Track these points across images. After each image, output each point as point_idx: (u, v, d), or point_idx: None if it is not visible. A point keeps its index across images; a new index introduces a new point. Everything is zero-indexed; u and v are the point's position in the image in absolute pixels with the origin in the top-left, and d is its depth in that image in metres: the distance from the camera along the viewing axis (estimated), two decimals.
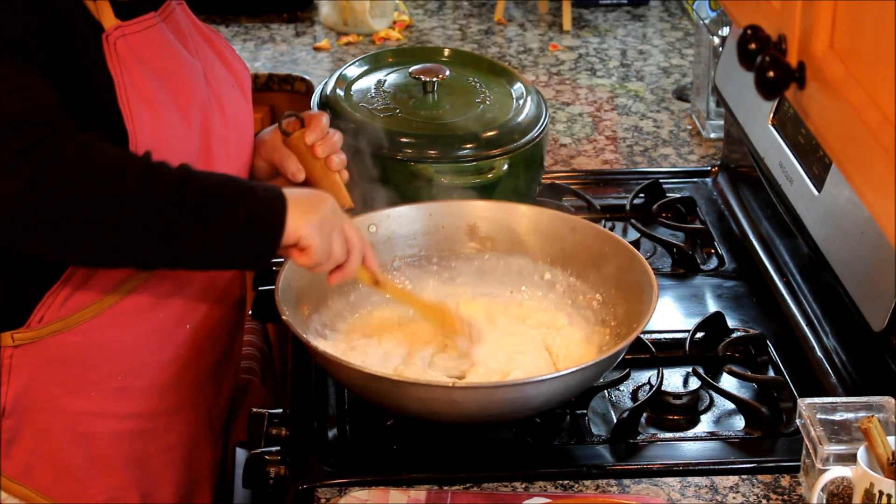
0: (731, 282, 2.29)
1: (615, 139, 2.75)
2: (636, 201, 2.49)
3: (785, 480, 1.84)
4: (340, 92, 2.32)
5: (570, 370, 1.83)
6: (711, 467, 1.87)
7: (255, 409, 2.04)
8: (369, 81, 2.36)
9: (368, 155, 2.21)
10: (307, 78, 3.02)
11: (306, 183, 2.00)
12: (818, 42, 1.37)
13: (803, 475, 1.81)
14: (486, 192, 2.24)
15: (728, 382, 2.03)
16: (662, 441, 1.93)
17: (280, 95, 3.05)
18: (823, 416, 1.77)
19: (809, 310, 2.16)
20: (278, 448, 1.96)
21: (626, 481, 1.85)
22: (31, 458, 1.92)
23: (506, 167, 2.25)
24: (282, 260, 1.96)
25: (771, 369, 2.07)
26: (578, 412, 1.97)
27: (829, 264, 2.06)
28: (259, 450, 1.96)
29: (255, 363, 2.31)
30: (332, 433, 1.94)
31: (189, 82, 1.90)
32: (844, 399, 1.81)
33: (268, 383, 2.32)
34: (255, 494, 2.02)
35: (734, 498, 1.82)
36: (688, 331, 2.11)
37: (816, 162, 2.13)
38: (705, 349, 2.11)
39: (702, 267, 2.34)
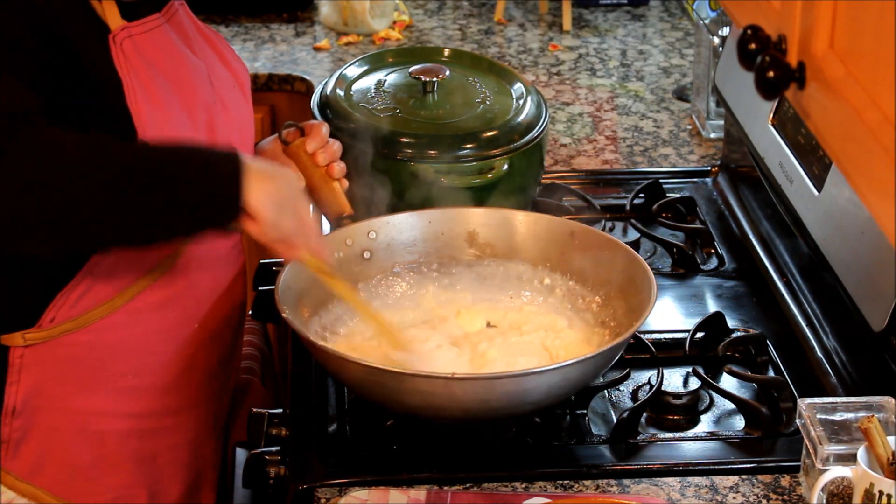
0: (731, 282, 2.29)
1: (615, 139, 2.75)
2: (636, 201, 2.49)
3: (785, 480, 1.84)
4: (340, 92, 2.32)
5: (568, 362, 1.83)
6: (711, 467, 1.87)
7: (255, 409, 2.04)
8: (369, 81, 2.36)
9: (368, 155, 2.21)
10: (307, 78, 3.02)
11: (306, 190, 2.01)
12: (818, 42, 1.37)
13: (803, 475, 1.81)
14: (487, 192, 2.24)
15: (728, 382, 2.03)
16: (662, 441, 1.93)
17: (280, 95, 3.05)
18: (823, 416, 1.77)
19: (809, 310, 2.16)
20: (278, 448, 1.96)
21: (626, 481, 1.85)
22: (40, 458, 1.93)
23: (506, 167, 2.25)
24: (282, 260, 1.97)
25: (771, 369, 2.07)
26: (578, 412, 1.97)
27: (829, 264, 2.06)
28: (259, 450, 1.96)
29: (255, 363, 2.32)
30: (332, 433, 1.94)
31: (194, 83, 1.91)
32: (844, 399, 1.81)
33: (268, 383, 2.32)
34: (255, 494, 2.02)
35: (734, 498, 1.82)
36: (688, 331, 2.11)
37: (816, 162, 2.13)
38: (705, 349, 2.11)
39: (702, 267, 2.34)
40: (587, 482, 1.85)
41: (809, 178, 2.15)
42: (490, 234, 2.16)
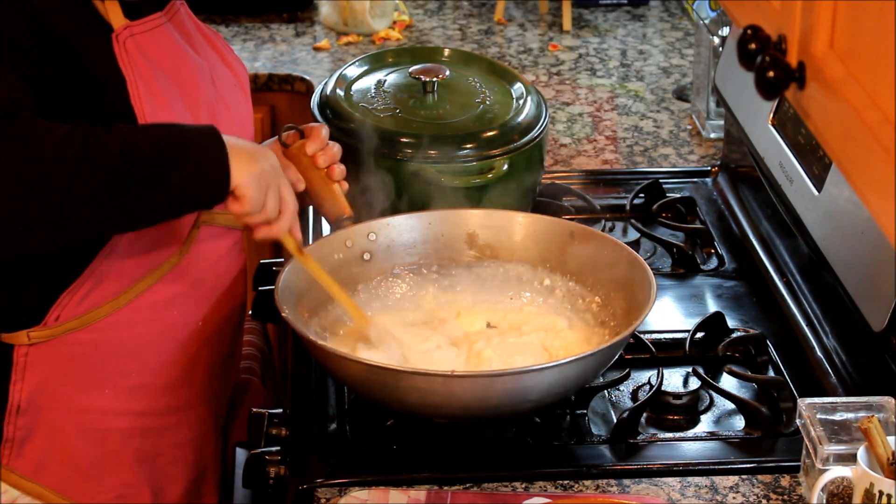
0: (731, 282, 2.29)
1: (615, 139, 2.75)
2: (636, 201, 2.49)
3: (785, 480, 1.84)
4: (340, 92, 2.32)
5: (567, 359, 1.83)
6: (711, 467, 1.87)
7: (255, 409, 2.04)
8: (369, 81, 2.36)
9: (368, 155, 2.21)
10: (307, 78, 3.02)
11: (306, 192, 2.01)
12: (818, 42, 1.37)
13: (803, 475, 1.81)
14: (487, 192, 2.24)
15: (728, 382, 2.03)
16: (662, 441, 1.93)
17: (280, 95, 3.05)
18: (823, 416, 1.77)
19: (809, 310, 2.16)
20: (278, 448, 1.96)
21: (626, 481, 1.85)
22: (44, 456, 1.94)
23: (506, 167, 2.25)
24: (282, 260, 1.97)
25: (771, 369, 2.07)
26: (578, 412, 1.97)
27: (829, 264, 2.06)
28: (259, 450, 1.96)
29: (255, 363, 2.32)
30: (332, 433, 1.94)
31: (197, 82, 1.91)
32: (844, 399, 1.81)
33: (268, 383, 2.32)
34: (255, 494, 2.02)
35: (734, 498, 1.82)
36: (688, 331, 2.11)
37: (816, 162, 2.13)
38: (705, 349, 2.11)
39: (702, 267, 2.34)
40: (587, 482, 1.85)
41: (809, 178, 2.15)
42: (490, 235, 2.16)
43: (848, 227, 2.01)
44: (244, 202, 1.80)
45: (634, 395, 2.02)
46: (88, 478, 1.96)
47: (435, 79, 2.30)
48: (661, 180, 2.53)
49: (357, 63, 2.41)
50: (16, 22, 1.74)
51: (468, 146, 2.24)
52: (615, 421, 1.94)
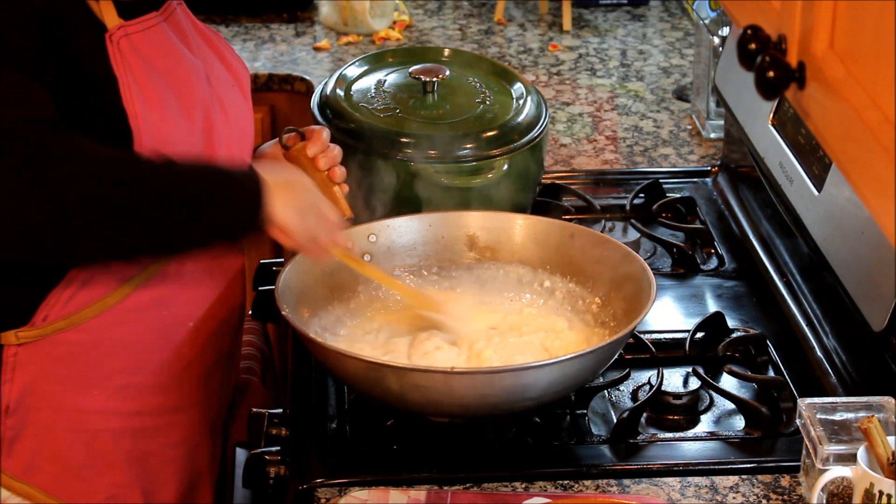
0: (731, 282, 2.29)
1: (615, 139, 2.75)
2: (636, 201, 2.49)
3: (785, 480, 1.84)
4: (340, 92, 2.32)
5: (567, 356, 1.83)
6: (711, 467, 1.87)
7: (255, 409, 2.04)
8: (369, 81, 2.36)
9: (368, 155, 2.21)
10: (307, 78, 3.02)
11: None
12: (818, 42, 1.37)
13: (803, 475, 1.81)
14: (487, 192, 2.24)
15: (728, 382, 2.03)
16: (662, 441, 1.93)
17: (280, 95, 3.05)
18: (823, 416, 1.77)
19: (809, 310, 2.16)
20: (278, 448, 1.96)
21: (626, 481, 1.85)
22: (34, 457, 1.93)
23: (506, 167, 2.25)
24: (282, 260, 1.97)
25: (771, 369, 2.07)
26: (578, 412, 1.97)
27: (829, 264, 2.06)
28: (259, 450, 1.96)
29: (255, 363, 2.32)
30: (332, 433, 1.94)
31: (191, 82, 1.91)
32: (844, 399, 1.81)
33: (268, 383, 2.32)
34: (255, 494, 2.02)
35: (734, 498, 1.82)
36: (688, 331, 2.11)
37: (816, 162, 2.13)
38: (705, 349, 2.11)
39: (702, 267, 2.34)
40: (587, 482, 1.85)
41: (809, 178, 2.15)
42: (490, 237, 2.16)
43: (848, 227, 2.01)
44: (288, 231, 1.83)
45: (634, 395, 2.02)
46: (79, 478, 1.95)
47: (435, 79, 2.30)
48: (661, 180, 2.53)
49: (357, 63, 2.41)
50: (24, 25, 1.74)
51: (468, 146, 2.24)
52: (615, 421, 1.94)
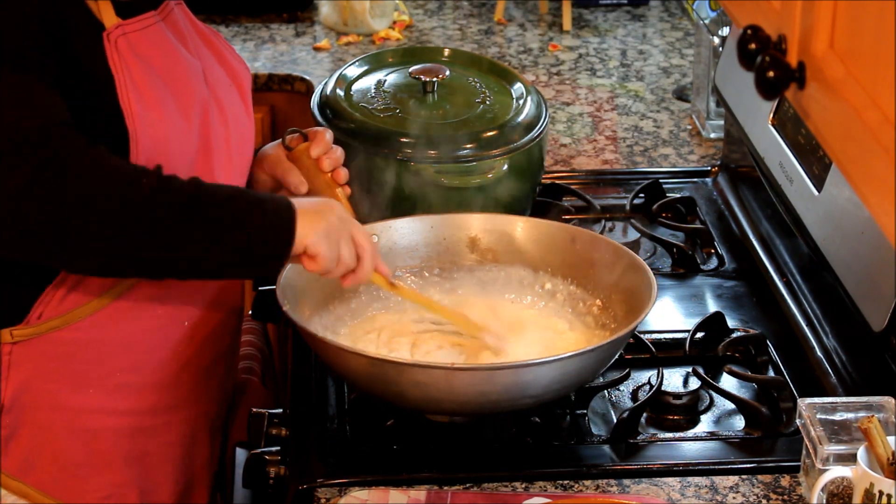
0: (731, 282, 2.29)
1: (615, 139, 2.75)
2: (636, 201, 2.49)
3: (785, 480, 1.84)
4: (340, 92, 2.32)
5: (567, 354, 1.83)
6: (711, 467, 1.87)
7: (255, 409, 2.04)
8: (369, 81, 2.36)
9: (368, 155, 2.21)
10: (307, 78, 3.02)
11: (309, 195, 2.01)
12: (818, 42, 1.37)
13: (803, 475, 1.81)
14: (487, 192, 2.24)
15: (728, 382, 2.03)
16: (662, 441, 1.93)
17: (280, 95, 3.05)
18: (823, 416, 1.77)
19: (809, 310, 2.16)
20: (278, 448, 1.96)
21: (626, 481, 1.85)
22: (30, 455, 1.93)
23: (506, 167, 2.25)
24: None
25: (771, 369, 2.07)
26: (578, 412, 1.97)
27: (829, 264, 2.06)
28: (259, 450, 1.96)
29: (255, 363, 2.31)
30: (332, 433, 1.94)
31: (189, 81, 1.90)
32: (844, 399, 1.81)
33: (268, 383, 2.32)
34: (255, 494, 2.02)
35: (734, 498, 1.82)
36: (688, 331, 2.11)
37: (816, 162, 2.13)
38: (705, 349, 2.11)
39: (702, 267, 2.34)
40: (587, 482, 1.85)
41: (809, 178, 2.15)
42: (491, 239, 2.16)
43: (848, 227, 2.01)
44: (319, 260, 1.81)
45: (634, 395, 2.02)
46: (76, 477, 1.95)
47: (435, 79, 2.30)
48: (661, 180, 2.53)
49: (357, 63, 2.41)
50: (19, 24, 1.74)
51: (468, 146, 2.24)
52: (615, 421, 1.94)
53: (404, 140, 2.23)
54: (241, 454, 2.08)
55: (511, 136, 2.27)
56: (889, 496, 1.63)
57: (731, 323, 2.14)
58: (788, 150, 2.23)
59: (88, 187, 1.70)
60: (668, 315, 2.21)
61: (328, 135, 2.01)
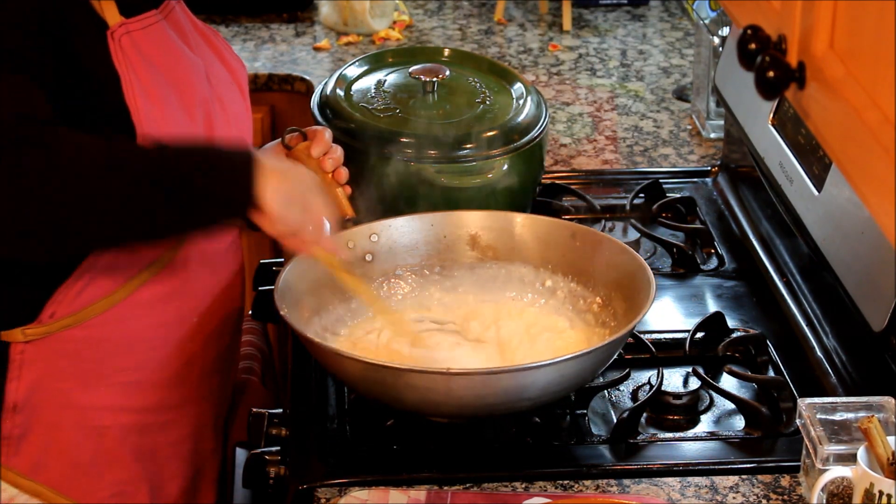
0: (731, 282, 2.29)
1: (615, 139, 2.75)
2: (636, 201, 2.49)
3: (785, 480, 1.84)
4: (340, 92, 2.32)
5: (565, 357, 1.83)
6: (711, 467, 1.87)
7: (255, 409, 2.04)
8: (369, 81, 2.36)
9: (368, 155, 2.21)
10: (307, 78, 3.02)
11: None
12: (818, 42, 1.37)
13: (803, 475, 1.81)
14: (487, 192, 2.24)
15: (728, 382, 2.03)
16: (662, 441, 1.93)
17: (280, 95, 3.05)
18: (823, 416, 1.77)
19: (809, 310, 2.16)
20: (278, 448, 1.96)
21: (626, 481, 1.85)
22: (41, 454, 1.94)
23: (506, 167, 2.25)
24: (282, 260, 1.97)
25: (771, 369, 2.07)
26: (578, 412, 1.97)
27: (829, 264, 2.06)
28: (259, 450, 1.96)
29: (256, 363, 2.32)
30: (332, 433, 1.94)
31: (192, 79, 1.91)
32: (844, 399, 1.81)
33: (268, 383, 2.32)
34: (255, 494, 2.02)
35: (734, 498, 1.82)
36: (688, 331, 2.11)
37: (816, 162, 2.13)
38: (705, 349, 2.11)
39: (702, 267, 2.34)
40: (587, 482, 1.85)
41: (809, 178, 2.15)
42: (491, 236, 2.16)
43: (848, 227, 2.01)
44: (269, 217, 1.82)
45: (634, 395, 2.02)
46: (87, 475, 1.96)
47: (435, 79, 2.30)
48: (661, 180, 2.53)
49: (357, 63, 2.41)
50: (21, 23, 1.75)
51: (468, 146, 2.24)
52: (615, 421, 1.94)
53: (404, 140, 2.23)
54: (241, 454, 2.08)
55: (511, 136, 2.27)
56: (889, 496, 1.63)
57: (731, 323, 2.14)
58: (788, 150, 2.23)
59: (45, 173, 1.71)
60: (668, 315, 2.21)
61: (328, 134, 2.01)
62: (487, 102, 2.32)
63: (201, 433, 2.07)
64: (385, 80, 2.35)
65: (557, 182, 2.52)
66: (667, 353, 2.09)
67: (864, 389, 1.94)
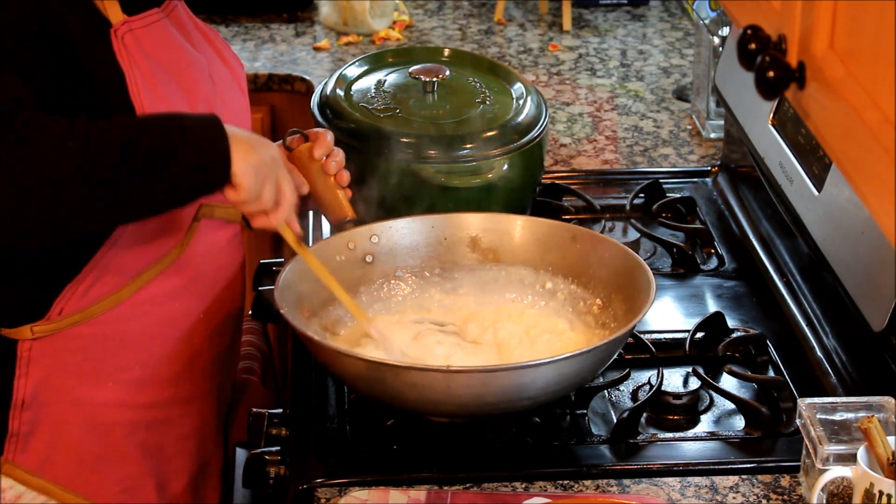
0: (731, 282, 2.29)
1: (615, 139, 2.75)
2: (636, 201, 2.49)
3: (785, 480, 1.84)
4: (340, 92, 2.32)
5: (564, 356, 1.83)
6: (711, 467, 1.87)
7: (255, 409, 2.05)
8: (369, 81, 2.36)
9: (368, 155, 2.21)
10: (307, 78, 3.02)
11: (309, 195, 2.01)
12: (818, 42, 1.37)
13: (803, 475, 1.81)
14: (487, 192, 2.24)
15: (728, 382, 2.03)
16: (662, 441, 1.93)
17: (280, 95, 3.05)
18: (823, 416, 1.77)
19: (809, 310, 2.16)
20: (278, 448, 1.96)
21: (626, 481, 1.85)
22: (49, 451, 1.94)
23: (506, 167, 2.25)
24: (282, 259, 1.97)
25: (771, 369, 2.07)
26: (578, 412, 1.97)
27: (829, 264, 2.06)
28: (259, 450, 1.96)
29: (256, 363, 2.32)
30: (332, 433, 1.94)
31: (195, 77, 1.92)
32: (844, 399, 1.81)
33: (268, 383, 2.32)
34: (255, 494, 2.02)
35: (734, 498, 1.82)
36: (688, 331, 2.11)
37: (816, 162, 2.13)
38: (705, 349, 2.11)
39: (702, 267, 2.34)
40: (587, 482, 1.85)
41: (809, 178, 2.15)
42: (492, 238, 2.16)
43: (848, 227, 2.01)
44: (240, 190, 1.80)
45: (634, 395, 2.02)
46: (94, 471, 1.97)
47: (435, 79, 2.30)
48: (661, 180, 2.53)
49: (357, 63, 2.42)
50: (18, 22, 1.75)
51: (468, 146, 2.24)
52: (615, 421, 1.94)
53: (404, 140, 2.23)
54: (241, 454, 2.09)
55: (511, 136, 2.27)
56: (889, 496, 1.63)
57: (731, 323, 2.14)
58: (788, 150, 2.23)
59: (16, 159, 1.69)
60: (668, 315, 2.21)
61: (329, 136, 2.01)
62: (487, 102, 2.32)
63: (206, 429, 2.08)
64: (385, 80, 2.35)
65: (557, 182, 2.52)
66: (667, 353, 2.09)
67: (864, 389, 1.94)
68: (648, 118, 2.84)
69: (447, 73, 2.32)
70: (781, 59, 1.39)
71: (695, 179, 2.59)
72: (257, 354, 2.35)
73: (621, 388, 2.03)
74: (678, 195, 2.51)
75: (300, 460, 1.89)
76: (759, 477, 1.85)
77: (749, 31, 1.42)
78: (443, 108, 2.29)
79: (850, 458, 1.71)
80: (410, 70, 2.32)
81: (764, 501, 1.81)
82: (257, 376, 2.29)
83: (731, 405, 1.99)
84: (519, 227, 2.15)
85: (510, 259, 2.15)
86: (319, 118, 2.29)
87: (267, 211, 1.86)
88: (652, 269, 2.00)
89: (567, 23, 3.28)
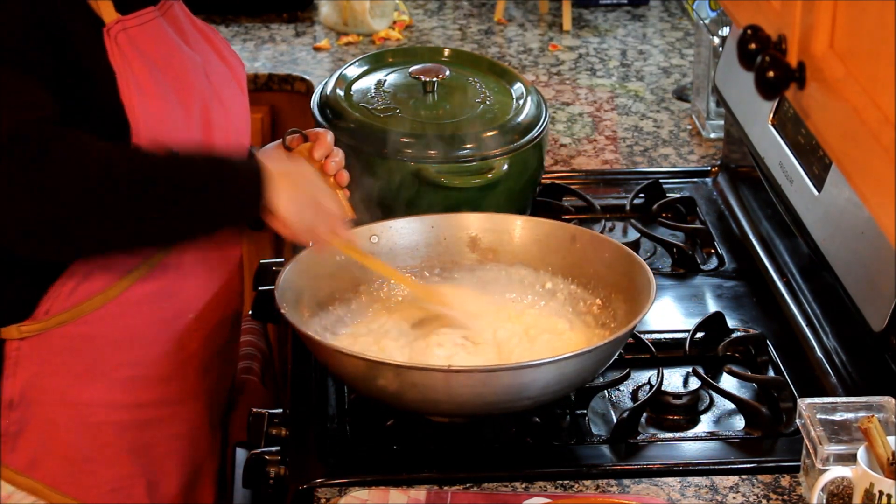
0: (731, 282, 2.29)
1: (615, 139, 2.75)
2: (636, 201, 2.49)
3: (785, 480, 1.84)
4: (340, 92, 2.32)
5: (565, 355, 1.83)
6: (711, 467, 1.87)
7: (255, 409, 2.04)
8: (369, 81, 2.36)
9: (368, 155, 2.21)
10: (307, 78, 3.02)
11: None
12: (818, 42, 1.37)
13: (803, 475, 1.81)
14: (487, 192, 2.24)
15: (728, 382, 2.03)
16: (662, 441, 1.93)
17: (280, 95, 3.05)
18: (823, 416, 1.77)
19: (809, 310, 2.16)
20: (278, 448, 1.96)
21: (626, 481, 1.85)
22: (38, 451, 1.94)
23: (506, 167, 2.25)
24: (282, 260, 1.97)
25: (771, 369, 2.07)
26: (578, 412, 1.97)
27: (829, 264, 2.06)
28: (259, 450, 1.96)
29: (255, 363, 2.32)
30: (332, 433, 1.94)
31: (189, 75, 1.92)
32: (844, 399, 1.81)
33: (268, 383, 2.32)
34: (255, 494, 2.02)
35: (734, 498, 1.82)
36: (688, 331, 2.11)
37: (816, 162, 2.13)
38: (705, 349, 2.11)
39: (702, 267, 2.34)
40: (587, 482, 1.85)
41: (809, 178, 2.15)
42: (492, 238, 2.16)
43: (848, 227, 2.01)
44: (290, 225, 1.87)
45: (634, 395, 2.02)
46: (83, 471, 1.96)
47: (435, 79, 2.30)
48: (661, 180, 2.53)
49: (357, 63, 2.42)
50: (23, 23, 1.75)
51: (468, 146, 2.24)
52: (615, 421, 1.94)
53: (404, 140, 2.23)
54: (241, 454, 2.08)
55: (511, 136, 2.27)
56: (889, 496, 1.63)
57: (731, 323, 2.14)
58: (788, 150, 2.23)
59: (58, 177, 1.73)
60: (668, 315, 2.21)
61: (329, 136, 2.01)
62: (487, 102, 2.32)
63: (199, 430, 2.07)
64: (385, 80, 2.35)
65: (557, 182, 2.52)
66: (667, 353, 2.09)
67: (864, 389, 1.94)
68: (648, 118, 2.84)
69: (447, 73, 2.32)
70: (781, 59, 1.39)
71: (695, 179, 2.59)
72: (257, 354, 2.35)
73: (621, 388, 2.03)
74: (678, 195, 2.51)
75: (300, 460, 1.89)
76: (759, 477, 1.85)
77: (749, 31, 1.42)
78: (443, 108, 2.29)
79: (850, 458, 1.71)
80: (410, 70, 2.32)
81: (764, 501, 1.81)
82: (257, 376, 2.29)
83: (731, 405, 1.99)
84: (519, 228, 2.15)
85: (510, 259, 2.15)
86: (319, 118, 2.29)
87: (314, 232, 1.92)
88: (652, 269, 2.00)
89: (567, 23, 3.28)
